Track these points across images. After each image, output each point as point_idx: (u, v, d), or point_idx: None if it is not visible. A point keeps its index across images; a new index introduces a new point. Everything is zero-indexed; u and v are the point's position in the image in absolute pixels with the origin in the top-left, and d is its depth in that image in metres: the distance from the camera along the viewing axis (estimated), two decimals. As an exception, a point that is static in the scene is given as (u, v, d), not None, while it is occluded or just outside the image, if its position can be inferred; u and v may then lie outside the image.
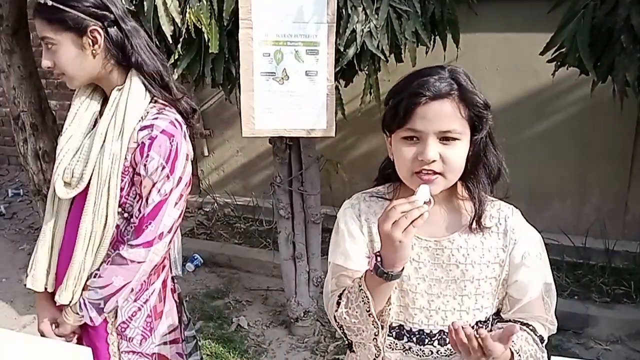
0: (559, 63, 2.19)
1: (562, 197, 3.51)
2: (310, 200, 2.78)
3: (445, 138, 1.06)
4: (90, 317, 1.47)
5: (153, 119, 1.41)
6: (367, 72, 2.24)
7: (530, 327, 1.15)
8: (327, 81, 1.99)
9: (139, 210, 1.42)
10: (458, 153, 1.07)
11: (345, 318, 1.10)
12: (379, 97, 2.30)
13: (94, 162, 1.40)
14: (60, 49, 1.36)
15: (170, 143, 1.39)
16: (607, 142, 3.31)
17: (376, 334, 1.09)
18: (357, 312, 1.08)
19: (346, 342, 1.20)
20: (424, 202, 1.01)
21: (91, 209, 1.42)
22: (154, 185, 1.39)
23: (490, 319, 1.18)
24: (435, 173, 1.06)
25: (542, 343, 1.15)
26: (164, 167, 1.39)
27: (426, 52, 2.28)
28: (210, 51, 2.03)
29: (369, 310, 1.06)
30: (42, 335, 1.55)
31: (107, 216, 1.42)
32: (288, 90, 1.98)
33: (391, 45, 2.11)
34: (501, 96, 3.32)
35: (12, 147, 5.26)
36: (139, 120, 1.41)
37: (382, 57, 2.10)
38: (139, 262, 1.42)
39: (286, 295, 2.92)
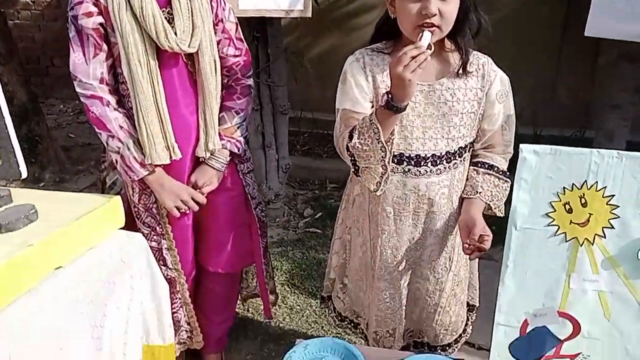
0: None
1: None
2: (277, 92, 2.97)
3: None
4: (245, 150, 1.77)
5: None
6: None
7: (495, 169, 1.48)
8: (304, -36, 2.14)
9: (235, 47, 1.68)
10: (452, 9, 1.32)
11: (357, 147, 1.35)
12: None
13: (199, 18, 1.55)
14: None
15: None
16: (538, 33, 3.65)
17: (383, 157, 1.35)
18: (368, 141, 1.33)
19: (353, 170, 1.46)
20: (427, 47, 1.25)
21: (207, 60, 1.59)
22: (236, 24, 1.68)
23: (468, 147, 1.49)
24: (433, 26, 1.30)
25: (505, 175, 1.50)
26: (230, 8, 1.67)
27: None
28: None
29: (378, 139, 1.31)
30: (179, 205, 1.66)
31: (215, 60, 1.61)
32: (268, -27, 2.11)
33: None
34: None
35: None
36: None
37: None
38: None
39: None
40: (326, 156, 3.88)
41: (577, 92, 3.80)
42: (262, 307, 2.12)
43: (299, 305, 2.46)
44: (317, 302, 2.46)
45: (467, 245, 1.38)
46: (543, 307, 1.16)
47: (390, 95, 1.28)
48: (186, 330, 1.91)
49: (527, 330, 1.17)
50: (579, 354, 1.19)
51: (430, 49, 1.25)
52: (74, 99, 5.03)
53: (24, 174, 1.27)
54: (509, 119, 1.49)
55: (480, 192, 1.47)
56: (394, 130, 1.34)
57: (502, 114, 1.47)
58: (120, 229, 1.48)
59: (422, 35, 1.26)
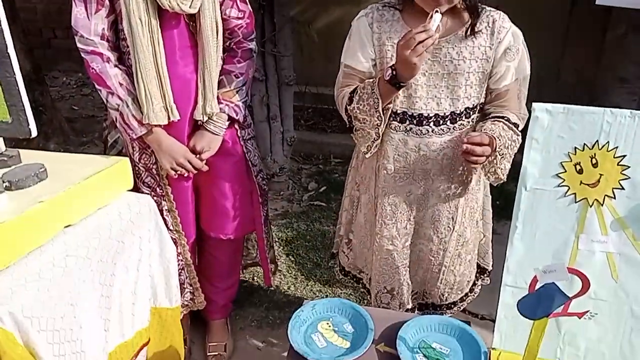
0: None
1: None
2: (283, 62, 2.95)
3: None
4: (245, 116, 1.74)
5: None
6: None
7: (505, 118, 1.44)
8: None
9: (239, 9, 1.64)
10: None
11: (355, 111, 1.42)
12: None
13: None
14: None
15: None
16: (545, 10, 3.61)
17: (378, 124, 1.40)
18: (366, 108, 1.39)
19: (348, 127, 1.50)
20: (435, 30, 1.24)
21: (208, 22, 1.56)
22: None
23: (478, 107, 1.47)
24: None
25: (516, 127, 1.44)
26: None
27: None
28: None
29: (377, 108, 1.36)
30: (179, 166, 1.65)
31: (217, 22, 1.58)
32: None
33: None
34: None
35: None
36: None
37: None
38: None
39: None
40: (330, 131, 3.87)
41: (583, 69, 3.77)
42: (265, 275, 2.14)
43: (304, 275, 2.47)
44: (321, 272, 2.48)
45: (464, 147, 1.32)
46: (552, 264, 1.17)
47: (395, 72, 1.30)
48: (190, 292, 1.93)
49: (536, 287, 1.17)
50: (587, 311, 1.20)
51: (439, 30, 1.27)
52: (77, 72, 5.00)
53: (34, 133, 1.27)
54: (524, 80, 1.45)
55: (484, 128, 1.39)
56: (392, 100, 1.38)
57: (510, 74, 1.42)
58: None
59: (431, 16, 1.26)
